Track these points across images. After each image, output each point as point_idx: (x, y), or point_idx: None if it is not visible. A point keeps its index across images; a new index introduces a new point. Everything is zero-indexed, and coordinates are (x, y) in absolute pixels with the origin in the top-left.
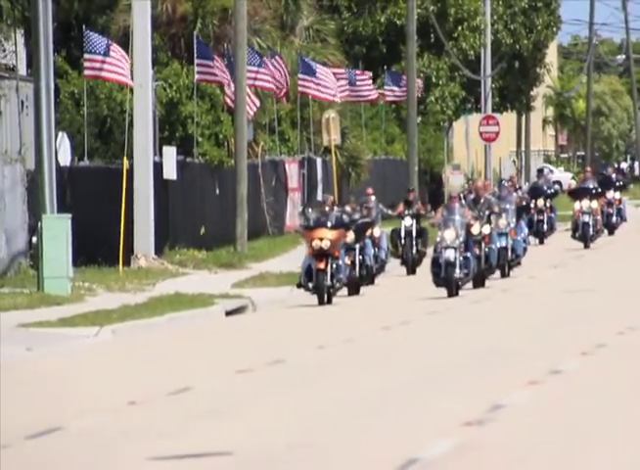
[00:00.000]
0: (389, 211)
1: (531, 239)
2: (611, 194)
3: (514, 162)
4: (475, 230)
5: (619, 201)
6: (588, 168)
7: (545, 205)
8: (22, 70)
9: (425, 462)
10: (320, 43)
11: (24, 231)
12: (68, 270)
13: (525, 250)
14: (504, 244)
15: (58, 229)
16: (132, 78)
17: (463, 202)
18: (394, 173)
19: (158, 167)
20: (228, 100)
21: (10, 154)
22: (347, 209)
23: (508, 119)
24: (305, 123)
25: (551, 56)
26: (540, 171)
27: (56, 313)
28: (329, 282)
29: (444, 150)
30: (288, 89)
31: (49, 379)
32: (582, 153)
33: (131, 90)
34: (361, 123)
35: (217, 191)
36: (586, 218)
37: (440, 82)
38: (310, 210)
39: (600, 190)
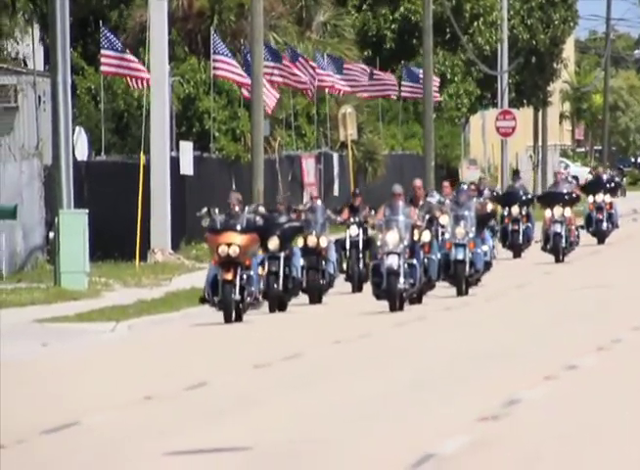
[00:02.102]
0: (338, 218)
1: (503, 251)
2: (600, 197)
3: (530, 156)
4: (416, 236)
5: (610, 205)
6: (561, 171)
7: (521, 213)
8: (40, 65)
9: (440, 458)
10: (337, 38)
11: (42, 226)
12: (85, 265)
13: (487, 264)
14: (461, 257)
15: (75, 224)
16: (149, 74)
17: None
18: (411, 168)
19: (174, 163)
20: (245, 92)
21: (27, 149)
22: (261, 209)
23: (525, 114)
24: (322, 119)
25: (568, 51)
26: (516, 173)
27: (72, 308)
28: (237, 296)
29: (461, 145)
30: (313, 87)
31: (65, 374)
32: (599, 147)
33: (148, 86)
34: (378, 118)
35: (234, 186)
36: (558, 228)
37: (456, 79)
38: (217, 210)
39: (575, 195)
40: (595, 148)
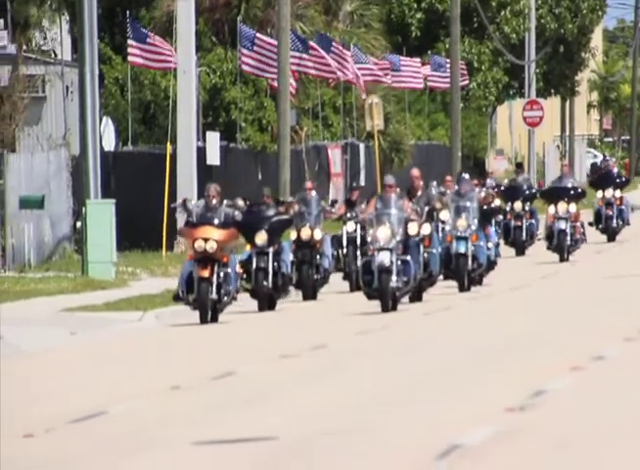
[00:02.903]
0: (333, 210)
1: (505, 249)
2: (610, 192)
3: (558, 147)
4: (411, 230)
5: (620, 200)
6: (565, 163)
7: (524, 208)
8: (67, 55)
9: (466, 448)
10: (363, 28)
11: (69, 216)
12: (113, 255)
13: (492, 261)
14: (462, 250)
15: (102, 214)
16: (176, 64)
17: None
18: (438, 159)
19: (201, 153)
20: (272, 82)
21: (55, 139)
22: (239, 203)
23: (552, 104)
24: (348, 109)
25: (596, 40)
26: (519, 166)
27: (100, 298)
28: (214, 295)
29: (488, 135)
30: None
31: (93, 363)
32: (627, 137)
33: (175, 76)
34: (404, 109)
35: (260, 176)
36: (562, 225)
37: (483, 67)
38: (193, 202)
39: (580, 190)
40: (623, 138)
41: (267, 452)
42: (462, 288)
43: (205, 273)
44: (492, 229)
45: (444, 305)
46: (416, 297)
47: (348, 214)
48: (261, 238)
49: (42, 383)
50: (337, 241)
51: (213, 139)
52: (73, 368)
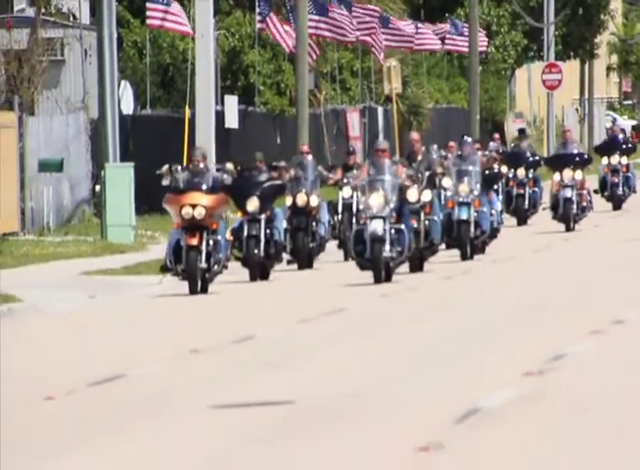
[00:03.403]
0: (330, 175)
1: (507, 217)
2: (616, 159)
3: (577, 110)
4: (411, 196)
5: (627, 167)
6: (568, 129)
7: (527, 176)
8: (86, 18)
9: (485, 412)
10: None
11: (88, 179)
12: (131, 219)
13: (494, 228)
14: (465, 216)
15: (121, 178)
16: (194, 27)
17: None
18: (457, 122)
19: (219, 116)
20: (289, 46)
21: (73, 102)
22: (229, 166)
23: (571, 67)
24: (366, 72)
25: (615, 2)
26: (522, 132)
27: (119, 261)
28: (204, 264)
29: (507, 98)
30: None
31: (112, 327)
32: None
33: (193, 39)
34: (423, 72)
35: (279, 140)
36: (568, 193)
37: (502, 30)
38: (180, 167)
39: (586, 157)
40: None
41: (286, 416)
42: (464, 256)
43: (194, 241)
44: (495, 195)
45: (454, 272)
46: (417, 266)
47: (345, 180)
48: (253, 204)
49: (62, 346)
50: (332, 207)
51: (232, 103)
52: (93, 332)
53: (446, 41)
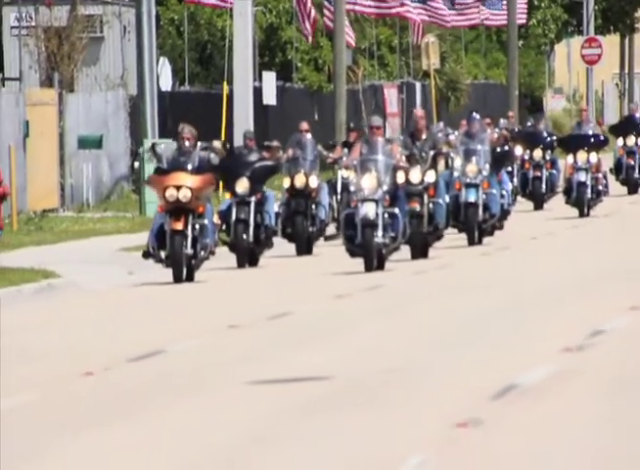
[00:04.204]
0: (330, 155)
1: (522, 201)
2: (632, 140)
3: (617, 85)
4: (414, 177)
5: None
6: (585, 108)
7: (544, 157)
8: None
9: (523, 388)
10: None
11: (127, 156)
12: None
13: (505, 210)
14: (472, 199)
15: None
16: (231, 4)
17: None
18: (495, 98)
19: (257, 93)
20: (327, 20)
21: (112, 79)
22: (216, 144)
23: (611, 42)
24: (404, 48)
25: None
26: (539, 111)
27: None
28: (189, 250)
29: (546, 73)
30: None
31: (151, 302)
32: None
33: (231, 15)
34: (461, 47)
35: (316, 116)
36: (582, 177)
37: (542, 5)
38: (163, 146)
39: (602, 138)
40: None
41: (322, 392)
42: (472, 241)
43: (179, 225)
44: (505, 175)
45: (477, 253)
46: (420, 253)
47: (344, 158)
48: (242, 186)
49: (101, 322)
50: (331, 187)
51: (270, 79)
52: (132, 307)
53: (485, 16)
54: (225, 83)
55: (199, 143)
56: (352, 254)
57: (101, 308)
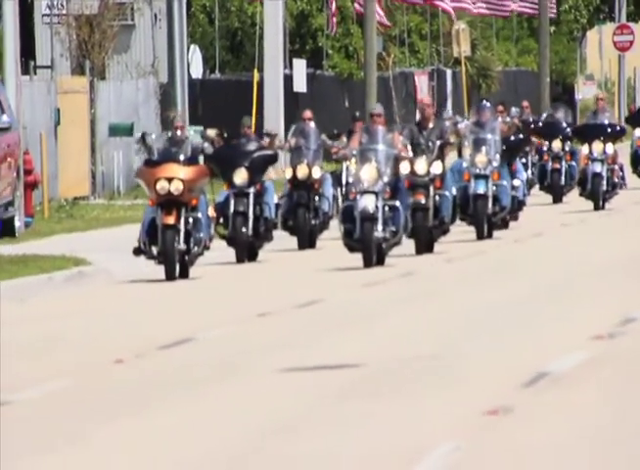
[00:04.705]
0: (334, 144)
1: (541, 194)
2: None
3: None
4: (420, 168)
5: None
6: (601, 96)
7: (563, 148)
8: None
9: (555, 376)
10: None
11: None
12: None
13: (519, 202)
14: (481, 190)
15: None
16: None
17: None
18: (526, 85)
19: (288, 80)
20: (357, 5)
21: (143, 66)
22: (210, 133)
23: None
24: (435, 35)
25: None
26: (558, 101)
27: None
28: (182, 245)
29: (577, 60)
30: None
31: (181, 290)
32: None
33: (262, 3)
34: (492, 34)
35: (347, 104)
36: (597, 168)
37: None
38: (154, 136)
39: (619, 128)
40: None
41: (353, 379)
42: (480, 235)
43: (171, 220)
44: (520, 165)
45: (468, 252)
46: (425, 248)
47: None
48: (241, 176)
49: (132, 309)
50: (336, 179)
51: (300, 66)
52: (163, 295)
53: (517, 3)
54: (256, 71)
55: (191, 131)
56: (351, 248)
57: (131, 296)
